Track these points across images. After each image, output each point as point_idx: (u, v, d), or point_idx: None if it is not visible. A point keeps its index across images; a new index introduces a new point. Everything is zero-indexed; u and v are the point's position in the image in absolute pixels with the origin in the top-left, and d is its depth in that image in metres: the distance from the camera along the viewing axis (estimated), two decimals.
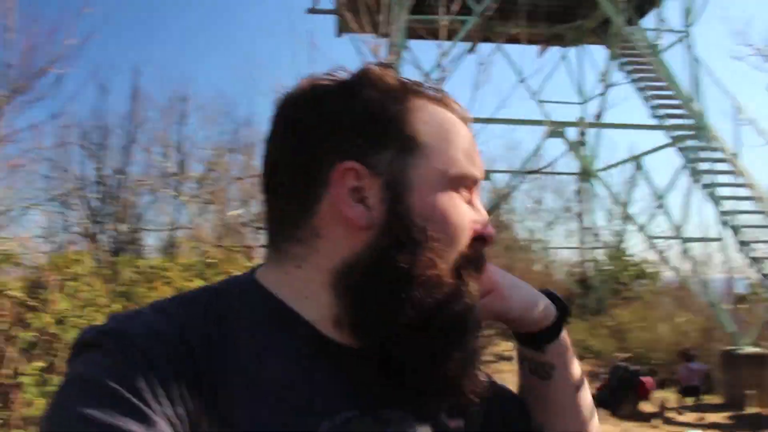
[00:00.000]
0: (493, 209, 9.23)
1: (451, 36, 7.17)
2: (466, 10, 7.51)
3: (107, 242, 10.41)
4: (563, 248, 17.97)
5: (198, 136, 14.01)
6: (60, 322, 3.84)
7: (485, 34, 11.13)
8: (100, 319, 3.84)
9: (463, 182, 0.71)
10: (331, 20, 11.65)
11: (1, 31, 6.26)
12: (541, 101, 13.21)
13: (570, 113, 17.39)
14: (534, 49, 14.31)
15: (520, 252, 17.94)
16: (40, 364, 3.62)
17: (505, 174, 14.36)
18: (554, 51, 14.48)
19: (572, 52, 14.51)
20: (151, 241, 12.36)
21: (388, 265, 0.64)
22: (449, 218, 0.68)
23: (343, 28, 11.03)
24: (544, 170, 14.35)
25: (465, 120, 0.75)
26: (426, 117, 0.70)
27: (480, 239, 0.70)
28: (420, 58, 10.91)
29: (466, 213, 0.70)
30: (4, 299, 3.89)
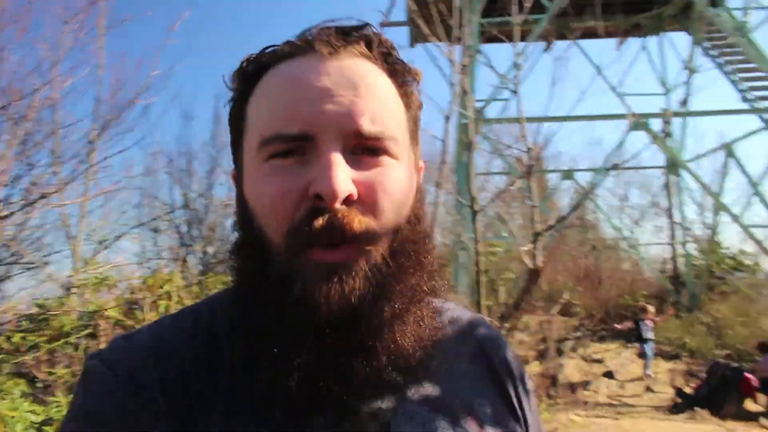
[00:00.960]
0: (575, 208, 9.10)
1: (525, 36, 7.18)
2: (539, 8, 7.49)
3: (196, 264, 11.00)
4: (652, 244, 17.34)
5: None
6: None
7: (560, 31, 11.00)
8: None
9: (271, 146, 0.64)
10: (404, 32, 11.87)
11: (93, 69, 6.78)
12: (622, 94, 12.88)
13: (653, 104, 16.82)
14: (612, 42, 13.98)
15: (608, 251, 17.47)
16: None
17: (587, 172, 14.08)
18: (633, 42, 14.10)
19: (652, 41, 14.08)
20: None
21: (232, 251, 0.69)
22: (255, 192, 0.65)
23: (416, 39, 11.20)
24: (628, 165, 13.96)
25: (302, 52, 0.67)
26: (257, 95, 0.68)
27: (313, 208, 0.61)
28: (496, 60, 10.92)
29: (266, 180, 0.64)
30: (102, 320, 4.22)
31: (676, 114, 13.17)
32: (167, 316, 0.72)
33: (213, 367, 0.65)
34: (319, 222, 0.60)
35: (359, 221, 0.61)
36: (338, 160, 0.61)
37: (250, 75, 0.69)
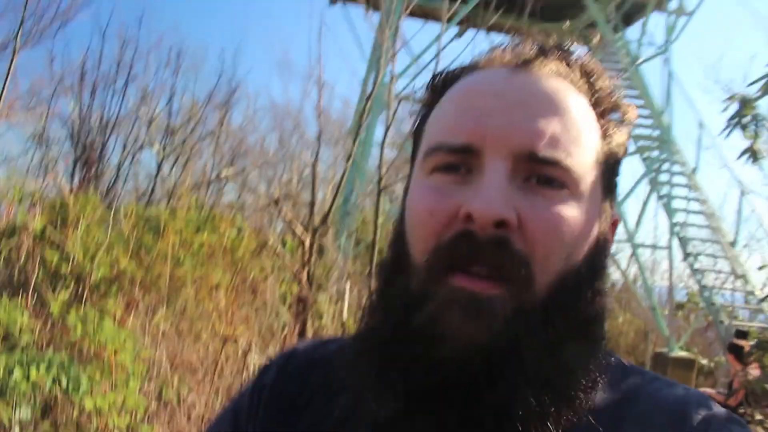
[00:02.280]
0: None
1: (444, 20, 7.34)
2: None
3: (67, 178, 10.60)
4: None
5: (179, 86, 14.11)
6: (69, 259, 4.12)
7: (475, 21, 11.30)
8: (105, 262, 4.15)
9: (434, 157, 0.59)
10: None
11: None
12: None
13: None
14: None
15: None
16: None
17: None
18: None
19: None
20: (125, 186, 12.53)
21: (377, 269, 0.65)
22: (410, 206, 0.60)
23: None
24: None
25: (491, 65, 0.62)
26: (437, 109, 0.63)
27: (462, 232, 0.54)
28: (414, 38, 11.00)
29: (420, 194, 0.59)
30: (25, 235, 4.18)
31: None
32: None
33: (335, 387, 0.64)
34: (463, 249, 0.53)
35: (511, 254, 0.53)
36: (499, 180, 0.54)
37: (436, 89, 0.64)
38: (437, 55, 5.40)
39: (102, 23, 16.17)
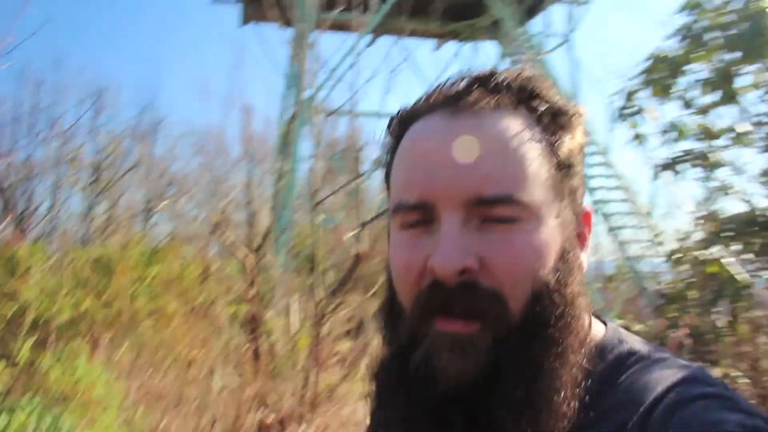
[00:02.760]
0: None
1: (357, 30, 7.52)
2: (371, 6, 7.90)
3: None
4: None
5: (98, 122, 13.79)
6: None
7: (386, 29, 11.57)
8: (64, 307, 4.09)
9: (398, 215, 0.64)
10: (236, 10, 11.64)
11: None
12: None
13: None
14: (431, 43, 14.95)
15: None
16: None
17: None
18: (451, 46, 15.20)
19: (467, 47, 15.30)
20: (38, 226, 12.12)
21: (379, 311, 0.70)
22: (391, 259, 0.66)
23: (248, 18, 11.08)
24: None
25: (432, 109, 0.65)
26: (397, 157, 0.68)
27: (434, 282, 0.60)
28: (327, 50, 11.14)
29: (396, 250, 0.65)
30: None
31: None
32: None
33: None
34: (438, 298, 0.59)
35: (480, 294, 0.59)
36: (453, 232, 0.59)
37: (397, 131, 0.69)
38: (352, 65, 5.55)
39: (16, 67, 15.58)
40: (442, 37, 14.60)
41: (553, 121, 0.65)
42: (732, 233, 3.03)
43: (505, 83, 0.64)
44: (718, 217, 3.21)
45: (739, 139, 3.18)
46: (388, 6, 9.26)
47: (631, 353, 0.65)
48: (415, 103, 0.68)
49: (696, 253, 3.15)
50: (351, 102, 5.29)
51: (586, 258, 0.69)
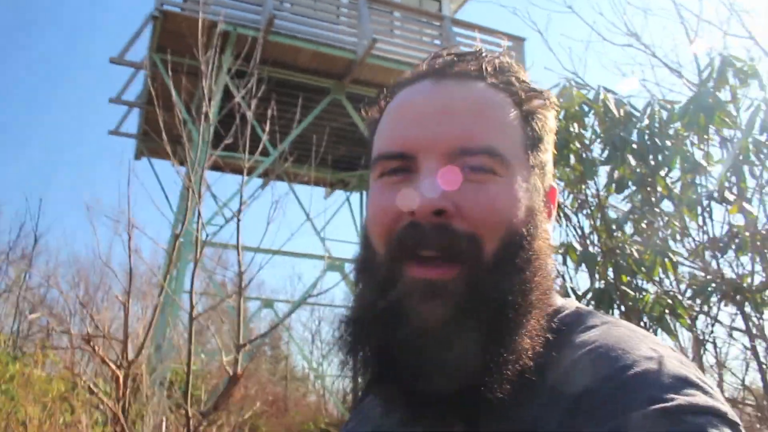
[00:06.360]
0: (273, 328, 9.81)
1: (250, 172, 8.02)
2: (264, 150, 8.52)
3: None
4: (338, 377, 18.65)
5: None
6: None
7: (279, 174, 12.23)
8: None
9: (378, 165, 0.68)
10: (131, 144, 11.99)
11: None
12: (324, 238, 14.45)
13: (349, 250, 18.85)
14: (322, 191, 15.78)
15: (296, 382, 18.37)
16: None
17: (286, 303, 15.10)
18: (340, 194, 16.07)
19: (355, 196, 16.23)
20: None
21: (354, 264, 0.72)
22: (368, 208, 0.70)
23: (141, 152, 11.43)
24: (322, 301, 15.30)
25: (419, 79, 0.71)
26: (379, 128, 0.73)
27: (409, 223, 0.63)
28: (220, 189, 11.51)
29: (373, 197, 0.68)
30: None
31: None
32: None
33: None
34: (412, 237, 0.62)
35: (453, 234, 0.61)
36: (431, 176, 0.62)
37: (381, 105, 0.75)
38: (240, 206, 5.93)
39: None
40: (333, 185, 15.50)
41: (528, 99, 0.71)
42: None
43: (486, 60, 0.71)
44: None
45: None
46: (277, 153, 9.96)
47: (578, 311, 0.69)
48: (400, 79, 0.75)
49: None
50: (238, 238, 5.58)
51: (551, 229, 0.72)
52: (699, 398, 0.52)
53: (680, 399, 0.51)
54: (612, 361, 0.56)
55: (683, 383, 0.53)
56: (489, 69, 0.70)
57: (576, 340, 0.63)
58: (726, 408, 0.52)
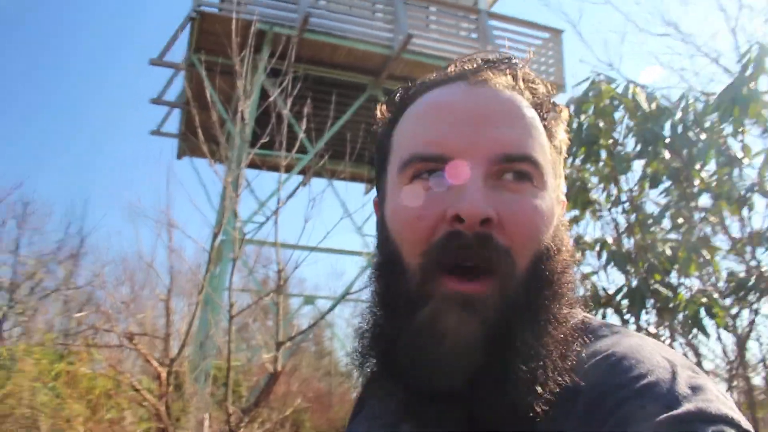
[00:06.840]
0: (313, 325, 9.89)
1: (288, 170, 8.07)
2: (301, 148, 8.55)
3: None
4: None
5: (20, 243, 13.53)
6: None
7: (317, 170, 12.29)
8: None
9: (412, 167, 0.65)
10: (173, 143, 12.21)
11: None
12: (364, 234, 14.47)
13: None
14: (359, 187, 15.81)
15: (340, 377, 18.47)
16: None
17: (327, 299, 15.18)
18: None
19: None
20: None
21: (372, 273, 0.69)
22: (394, 214, 0.66)
23: (183, 152, 11.62)
24: (363, 297, 15.34)
25: (451, 81, 0.69)
26: (403, 122, 0.70)
27: (450, 233, 0.60)
28: (259, 186, 11.65)
29: (406, 201, 0.64)
30: None
31: None
32: None
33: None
34: (454, 248, 0.60)
35: (495, 248, 0.60)
36: (478, 184, 0.61)
37: (398, 103, 0.73)
38: (278, 204, 5.96)
39: None
40: (370, 181, 15.51)
41: (551, 111, 0.71)
42: None
43: (516, 70, 0.70)
44: None
45: None
46: (315, 150, 10.00)
47: (590, 323, 0.68)
48: (419, 82, 0.73)
49: None
50: (279, 237, 5.61)
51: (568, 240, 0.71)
52: (711, 406, 0.51)
53: (692, 407, 0.51)
54: (625, 370, 0.56)
55: (695, 392, 0.53)
56: (519, 80, 0.70)
57: (588, 349, 0.62)
58: (738, 416, 0.51)
